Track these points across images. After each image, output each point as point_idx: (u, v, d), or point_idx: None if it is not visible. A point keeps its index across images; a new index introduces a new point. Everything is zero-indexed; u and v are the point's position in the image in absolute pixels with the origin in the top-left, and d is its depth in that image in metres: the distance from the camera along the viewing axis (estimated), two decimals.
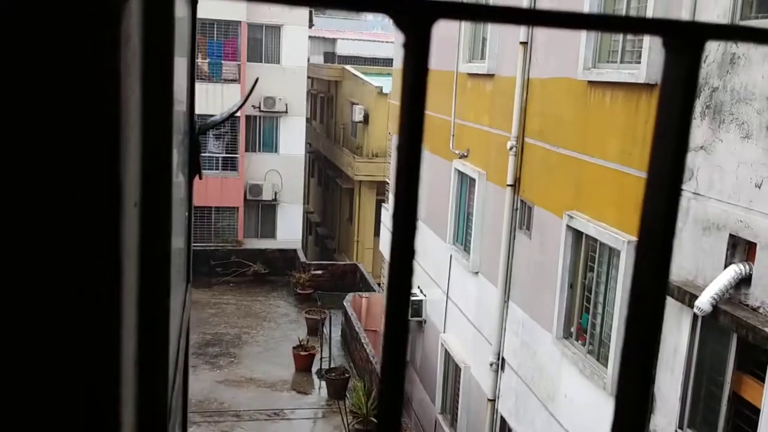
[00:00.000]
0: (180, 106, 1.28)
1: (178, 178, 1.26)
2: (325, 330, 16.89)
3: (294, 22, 24.13)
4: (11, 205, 0.41)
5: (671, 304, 6.33)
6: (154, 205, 0.64)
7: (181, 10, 1.09)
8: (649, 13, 6.71)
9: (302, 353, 16.29)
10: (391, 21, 0.44)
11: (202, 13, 22.32)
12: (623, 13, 7.46)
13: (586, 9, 7.86)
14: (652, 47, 6.67)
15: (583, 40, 7.88)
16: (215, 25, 23.22)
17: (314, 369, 16.34)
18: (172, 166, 0.71)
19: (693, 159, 6.11)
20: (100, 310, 0.44)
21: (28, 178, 0.41)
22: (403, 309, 0.45)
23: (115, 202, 0.43)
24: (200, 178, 1.53)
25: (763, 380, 5.39)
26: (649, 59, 6.70)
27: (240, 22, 23.24)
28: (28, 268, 0.42)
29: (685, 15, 6.19)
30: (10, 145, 0.41)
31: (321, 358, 16.16)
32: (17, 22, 0.39)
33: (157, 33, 0.61)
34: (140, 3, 0.53)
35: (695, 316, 5.95)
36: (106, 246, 0.43)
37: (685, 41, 0.45)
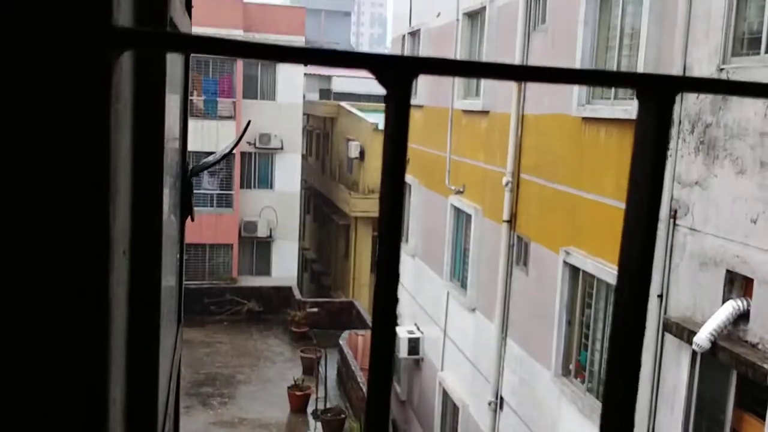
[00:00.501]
0: (173, 148, 1.29)
1: (170, 219, 1.27)
2: (320, 369, 16.69)
3: None
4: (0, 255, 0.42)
5: (670, 341, 6.29)
6: (144, 253, 0.64)
7: (173, 56, 1.12)
8: (641, 51, 6.83)
9: (297, 393, 16.06)
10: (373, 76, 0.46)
11: None
12: (616, 50, 7.59)
13: (578, 51, 8.00)
14: None
15: None
16: (210, 62, 23.51)
17: (310, 409, 16.09)
18: (163, 214, 0.71)
19: (688, 194, 6.15)
20: (87, 357, 0.44)
21: (20, 228, 0.42)
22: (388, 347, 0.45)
23: (103, 251, 0.43)
24: (192, 219, 1.53)
25: (763, 418, 5.33)
26: None
27: (235, 59, 23.54)
28: (16, 312, 0.43)
29: (677, 52, 6.30)
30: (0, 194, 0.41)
31: (317, 398, 15.93)
32: (12, 74, 0.40)
33: (149, 87, 0.62)
34: (132, 58, 0.54)
35: (694, 353, 5.91)
36: (95, 294, 0.44)
37: (657, 93, 0.47)
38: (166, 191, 1.15)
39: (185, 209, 1.45)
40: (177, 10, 0.89)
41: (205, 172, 23.66)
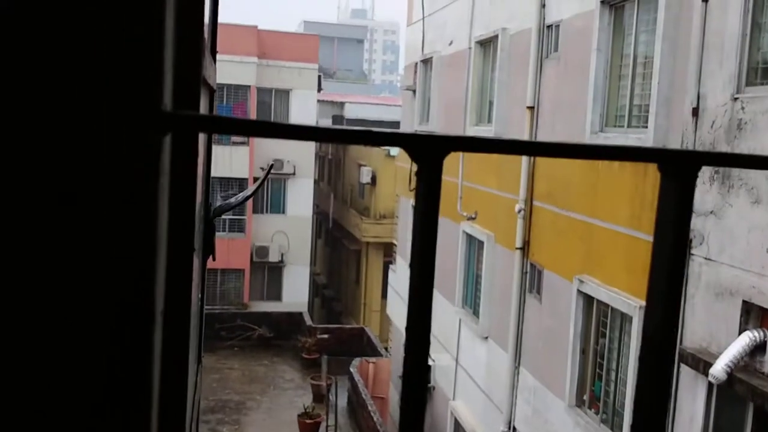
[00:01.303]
0: (198, 195, 1.32)
1: (194, 262, 1.29)
2: (331, 397, 16.57)
3: (303, 87, 24.70)
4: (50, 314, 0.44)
5: (685, 372, 6.21)
6: (176, 310, 0.66)
7: (204, 104, 1.15)
8: (654, 80, 6.83)
9: (307, 421, 15.93)
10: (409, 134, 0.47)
11: None
12: (629, 79, 7.61)
13: (591, 79, 8.03)
14: (659, 112, 6.77)
15: (590, 104, 8.02)
16: (225, 89, 23.79)
17: None
18: (192, 273, 0.73)
19: (704, 224, 6.11)
20: (131, 417, 0.46)
21: (76, 298, 0.44)
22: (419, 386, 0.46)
23: (149, 315, 0.45)
24: (213, 259, 1.55)
25: None
26: (656, 124, 6.79)
27: (249, 86, 23.81)
28: (68, 369, 0.44)
29: (690, 81, 6.30)
30: (54, 251, 0.43)
31: (327, 426, 15.79)
32: (71, 144, 0.42)
33: (184, 156, 0.65)
34: (170, 138, 0.56)
35: (710, 385, 5.83)
36: (140, 357, 0.45)
37: (679, 168, 0.48)
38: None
39: (207, 250, 1.47)
40: (207, 66, 0.92)
41: (218, 197, 23.76)
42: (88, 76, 0.42)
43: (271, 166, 3.74)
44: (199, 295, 1.53)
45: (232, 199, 2.17)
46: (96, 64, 0.42)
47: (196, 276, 1.31)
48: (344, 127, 0.46)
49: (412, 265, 0.45)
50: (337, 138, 0.44)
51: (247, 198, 2.19)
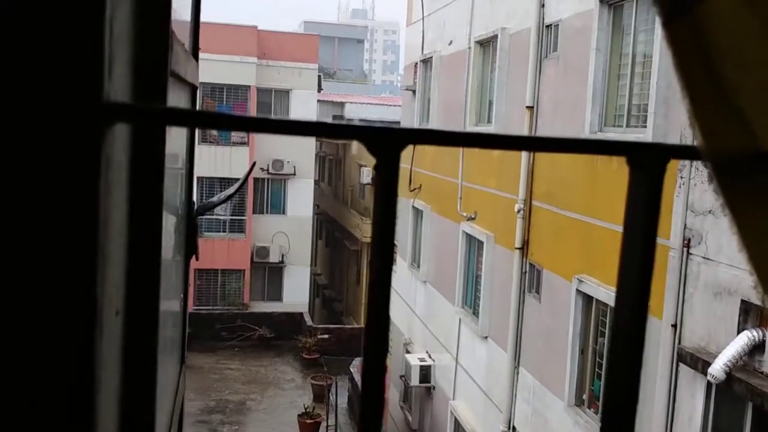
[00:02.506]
0: (178, 189, 1.30)
1: (174, 262, 1.27)
2: (331, 396, 16.57)
3: (303, 87, 24.70)
4: None
5: (684, 372, 6.19)
6: (141, 308, 0.65)
7: (179, 100, 1.14)
8: (653, 79, 6.81)
9: (308, 421, 15.93)
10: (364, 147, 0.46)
11: (212, 77, 22.90)
12: (628, 78, 7.60)
13: (590, 78, 8.02)
14: (657, 112, 6.76)
15: (589, 103, 8.02)
16: (225, 90, 23.79)
17: None
18: (160, 272, 0.72)
19: (702, 223, 6.10)
20: (74, 418, 0.44)
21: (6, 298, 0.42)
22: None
23: (90, 314, 0.44)
24: (197, 259, 1.54)
25: None
26: (654, 123, 6.78)
27: (249, 86, 23.82)
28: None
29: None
30: None
31: (327, 426, 15.80)
32: (8, 147, 0.41)
33: (147, 155, 0.63)
34: (127, 128, 0.55)
35: (709, 384, 5.81)
36: (82, 357, 0.44)
37: (648, 161, 0.47)
38: (170, 236, 1.16)
39: (190, 250, 1.46)
40: (180, 60, 0.91)
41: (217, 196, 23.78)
42: (19, 67, 0.41)
43: (253, 165, 3.77)
44: (182, 295, 1.52)
45: (215, 198, 2.17)
46: (29, 54, 0.41)
47: (176, 275, 1.30)
48: (299, 119, 0.45)
49: (371, 257, 0.44)
50: (290, 130, 0.43)
51: (230, 197, 2.18)
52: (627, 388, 0.50)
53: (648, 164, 0.47)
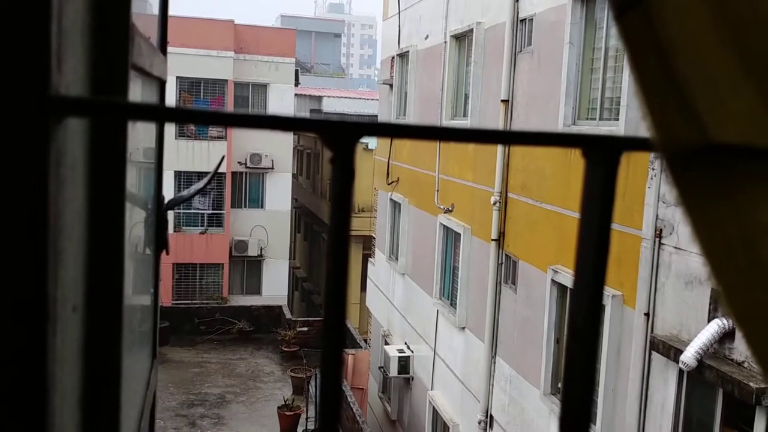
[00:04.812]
0: (147, 183, 1.29)
1: (144, 257, 1.26)
2: (310, 388, 16.57)
3: (280, 81, 24.55)
4: None
5: (657, 359, 6.30)
6: (103, 306, 0.64)
7: (146, 95, 1.12)
8: (626, 72, 6.89)
9: (287, 413, 15.93)
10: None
11: (189, 72, 22.68)
12: (601, 71, 7.67)
13: (563, 72, 8.08)
14: (630, 105, 6.84)
15: (562, 97, 8.08)
16: (202, 83, 23.56)
17: (300, 429, 15.95)
18: (123, 267, 0.71)
19: (673, 214, 6.19)
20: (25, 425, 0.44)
21: None
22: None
23: (40, 308, 0.43)
24: (167, 253, 1.53)
25: None
26: (627, 116, 6.85)
27: (227, 80, 23.62)
28: None
29: None
30: None
31: (307, 418, 15.81)
32: None
33: (106, 150, 0.63)
34: (83, 122, 0.54)
35: (681, 371, 5.92)
36: (30, 349, 0.44)
37: (602, 153, 0.47)
38: (138, 228, 1.15)
39: (160, 244, 1.45)
40: (143, 54, 0.90)
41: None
42: None
43: (222, 159, 3.77)
44: (152, 290, 1.50)
45: (185, 192, 2.15)
46: None
47: (146, 268, 1.29)
48: (256, 113, 0.45)
49: (327, 247, 0.45)
50: (248, 123, 0.43)
51: (200, 190, 2.17)
52: (584, 372, 0.50)
53: (602, 156, 0.48)
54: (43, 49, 0.41)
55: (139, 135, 1.05)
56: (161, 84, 1.41)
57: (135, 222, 1.02)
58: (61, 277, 0.48)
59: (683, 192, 0.48)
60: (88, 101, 0.37)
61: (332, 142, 0.44)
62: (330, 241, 0.46)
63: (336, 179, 0.45)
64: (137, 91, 0.95)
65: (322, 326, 0.46)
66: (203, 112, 0.41)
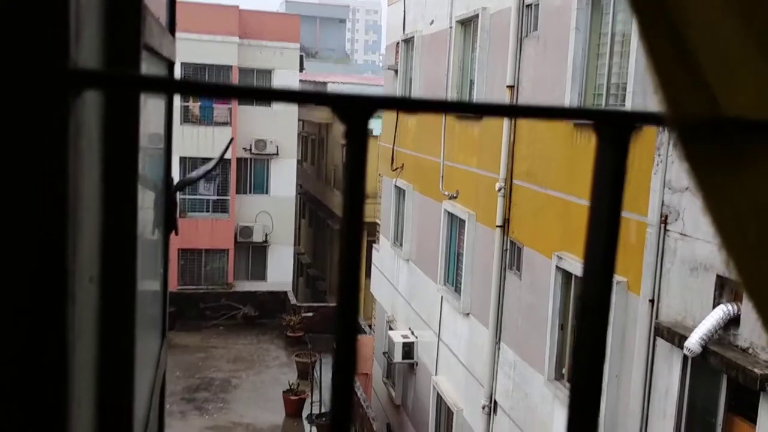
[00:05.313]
0: (156, 165, 1.30)
1: (153, 237, 1.27)
2: (315, 373, 16.67)
3: (285, 66, 24.46)
4: None
5: (661, 345, 6.31)
6: (118, 276, 0.65)
7: (155, 73, 1.13)
8: (632, 57, 6.84)
9: (293, 397, 16.05)
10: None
11: (194, 57, 22.61)
12: (607, 57, 7.62)
13: (570, 58, 8.03)
14: (635, 90, 6.80)
15: (568, 82, 8.04)
16: (207, 69, 23.50)
17: (305, 413, 16.07)
18: (138, 235, 0.72)
19: (679, 200, 6.18)
20: (46, 390, 0.45)
21: None
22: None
23: (61, 280, 0.44)
24: (176, 234, 1.54)
25: (754, 422, 5.35)
26: (633, 102, 6.82)
27: (231, 66, 23.54)
28: None
29: None
30: None
31: (312, 403, 15.92)
32: None
33: (120, 123, 0.63)
34: (99, 96, 0.55)
35: (685, 358, 5.93)
36: (52, 322, 0.44)
37: (614, 128, 0.48)
38: (148, 210, 1.16)
39: (169, 225, 1.46)
40: (154, 34, 0.90)
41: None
42: None
43: (231, 141, 3.79)
44: (162, 270, 1.52)
45: (193, 173, 2.16)
46: None
47: (156, 248, 1.30)
48: (269, 87, 0.45)
49: (341, 225, 0.45)
50: (261, 96, 0.43)
51: (208, 172, 2.18)
52: (594, 352, 0.51)
53: (614, 131, 0.48)
54: (63, 24, 0.42)
55: (149, 118, 1.05)
56: (170, 65, 1.41)
57: (145, 202, 1.03)
58: (79, 248, 0.48)
59: (694, 165, 0.48)
60: (104, 74, 0.38)
61: (346, 116, 0.45)
62: (344, 212, 0.46)
63: (350, 153, 0.45)
64: (147, 71, 0.95)
65: (336, 297, 0.46)
66: (216, 86, 0.42)
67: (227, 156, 23.07)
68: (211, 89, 0.41)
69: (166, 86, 0.41)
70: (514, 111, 0.48)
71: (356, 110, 0.44)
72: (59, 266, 0.43)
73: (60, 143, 0.42)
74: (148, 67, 0.94)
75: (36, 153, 0.42)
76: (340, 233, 0.47)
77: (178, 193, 1.68)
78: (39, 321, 0.44)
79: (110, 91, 0.58)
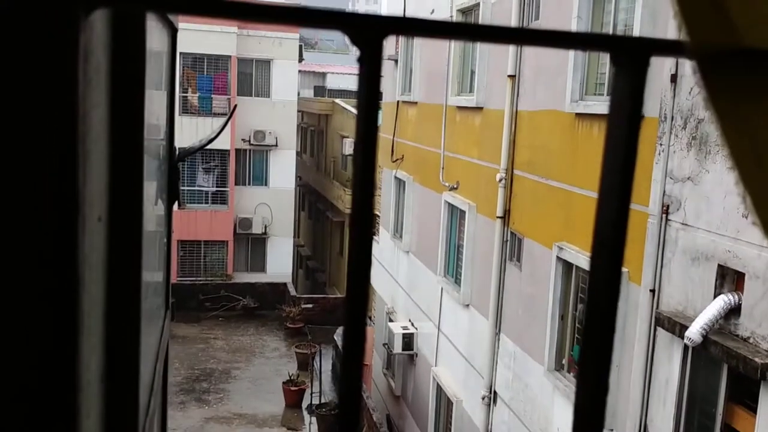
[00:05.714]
0: (159, 134, 1.29)
1: (157, 205, 1.26)
2: (315, 364, 16.70)
3: (284, 57, 24.40)
4: None
5: (662, 335, 6.32)
6: (124, 219, 0.64)
7: (159, 42, 1.12)
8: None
9: (292, 388, 16.08)
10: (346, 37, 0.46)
11: (192, 47, 22.56)
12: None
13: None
14: None
15: (570, 72, 8.01)
16: (205, 60, 23.44)
17: (305, 404, 16.11)
18: (143, 181, 0.71)
19: (680, 189, 6.17)
20: (57, 324, 0.44)
21: None
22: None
23: (72, 214, 0.43)
24: (179, 206, 1.53)
25: (755, 411, 5.36)
26: None
27: (230, 56, 23.49)
28: None
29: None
30: None
31: (311, 393, 15.96)
32: None
33: (127, 51, 0.62)
34: (107, 20, 0.54)
35: (686, 347, 5.94)
36: (63, 257, 0.44)
37: (631, 57, 0.47)
38: (151, 173, 1.15)
39: (172, 194, 1.45)
40: None
41: (200, 169, 23.58)
42: None
43: (234, 108, 3.79)
44: (165, 240, 1.51)
45: (195, 143, 2.15)
46: None
47: (159, 214, 1.29)
48: (275, 2, 0.44)
49: (354, 158, 0.44)
50: (267, 17, 0.42)
51: (211, 141, 2.18)
52: (602, 336, 0.49)
53: (631, 58, 0.47)
54: None
55: (152, 104, 1.04)
56: (173, 33, 1.40)
57: (149, 171, 1.02)
58: (89, 187, 0.48)
59: (713, 96, 0.47)
60: None
61: (360, 39, 0.43)
62: (356, 147, 0.45)
63: (363, 77, 0.44)
64: (154, 35, 0.94)
65: (347, 276, 0.44)
66: (223, 3, 0.40)
67: (226, 147, 23.03)
68: (214, 6, 0.40)
69: (175, 3, 0.40)
70: (532, 37, 0.47)
71: (371, 32, 0.43)
72: (70, 194, 0.42)
73: (70, 63, 0.41)
74: (153, 32, 0.92)
75: (46, 73, 0.41)
76: (353, 160, 0.46)
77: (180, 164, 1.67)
78: (52, 253, 0.43)
79: (119, 8, 0.57)
